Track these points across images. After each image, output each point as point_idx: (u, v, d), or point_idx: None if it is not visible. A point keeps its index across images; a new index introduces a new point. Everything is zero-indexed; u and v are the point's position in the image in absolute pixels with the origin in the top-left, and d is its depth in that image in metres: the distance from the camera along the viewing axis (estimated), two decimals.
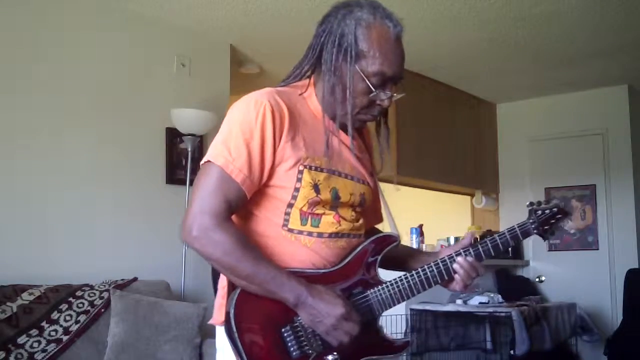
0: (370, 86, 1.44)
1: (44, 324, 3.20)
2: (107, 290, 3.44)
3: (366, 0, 1.47)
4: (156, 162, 4.15)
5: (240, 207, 1.42)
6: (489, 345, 4.60)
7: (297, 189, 1.42)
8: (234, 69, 4.85)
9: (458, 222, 6.20)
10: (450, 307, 4.37)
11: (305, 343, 1.38)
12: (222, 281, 1.45)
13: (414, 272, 1.51)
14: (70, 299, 3.35)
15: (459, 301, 4.50)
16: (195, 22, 4.28)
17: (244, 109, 1.42)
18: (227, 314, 1.36)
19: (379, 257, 1.50)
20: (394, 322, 4.02)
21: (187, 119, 3.98)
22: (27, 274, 3.40)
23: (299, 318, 1.38)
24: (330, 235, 1.46)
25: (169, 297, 3.66)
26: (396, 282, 1.49)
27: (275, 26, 4.31)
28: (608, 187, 5.67)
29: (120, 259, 3.85)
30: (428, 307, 4.29)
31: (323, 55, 1.46)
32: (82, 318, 3.31)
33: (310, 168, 1.43)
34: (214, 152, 1.40)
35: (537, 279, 5.90)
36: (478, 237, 4.46)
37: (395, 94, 1.47)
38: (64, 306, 3.31)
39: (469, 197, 6.33)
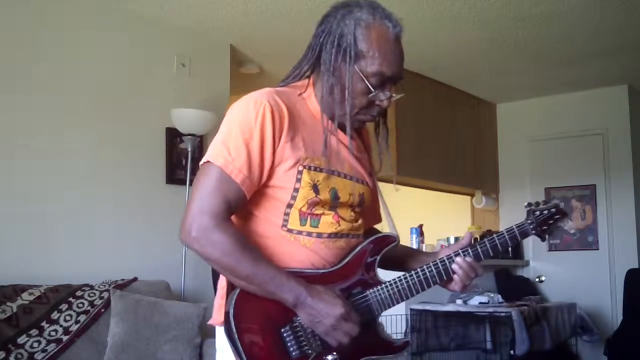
0: (370, 86, 1.44)
1: (44, 324, 3.21)
2: (107, 290, 3.45)
3: (365, 0, 1.47)
4: (156, 162, 4.15)
5: (240, 208, 1.42)
6: (489, 345, 4.60)
7: (296, 189, 1.42)
8: (234, 69, 4.85)
9: (458, 222, 6.20)
10: (450, 307, 4.37)
11: (304, 343, 1.38)
12: (222, 281, 1.45)
13: (413, 272, 1.51)
14: (70, 299, 3.35)
15: (459, 301, 4.50)
16: (195, 22, 4.28)
17: (243, 109, 1.41)
18: (227, 313, 1.36)
19: (378, 257, 1.50)
20: (394, 322, 4.02)
21: (187, 119, 3.98)
22: (27, 274, 3.40)
23: (299, 318, 1.38)
24: (330, 236, 1.46)
25: (169, 297, 3.66)
26: (395, 282, 1.49)
27: (275, 26, 4.31)
28: (608, 187, 5.67)
29: (120, 259, 3.85)
30: (428, 307, 4.29)
31: (322, 56, 1.46)
32: (82, 318, 3.31)
33: (309, 168, 1.43)
34: (214, 153, 1.40)
35: (537, 279, 5.90)
36: (478, 237, 4.47)
37: (394, 94, 1.47)
38: (64, 306, 3.31)
39: (469, 197, 6.33)
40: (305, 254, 1.44)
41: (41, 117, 3.66)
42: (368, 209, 1.62)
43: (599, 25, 4.32)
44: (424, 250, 4.86)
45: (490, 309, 4.38)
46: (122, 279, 3.60)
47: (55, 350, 3.16)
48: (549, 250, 5.86)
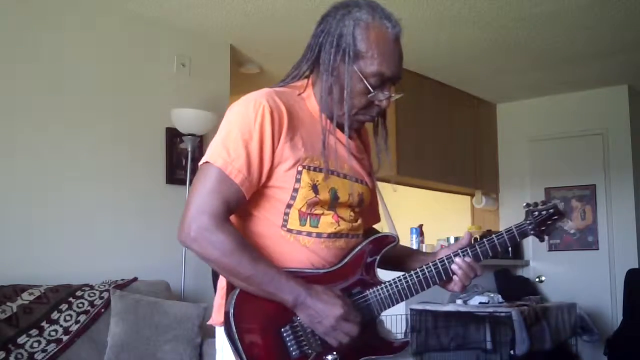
0: (369, 87, 1.44)
1: (44, 324, 3.21)
2: (107, 290, 3.45)
3: (365, 0, 1.47)
4: (156, 162, 4.15)
5: (239, 208, 1.42)
6: (489, 345, 4.60)
7: (295, 190, 1.42)
8: (234, 69, 4.85)
9: (458, 222, 6.20)
10: (450, 307, 4.37)
11: (304, 343, 1.38)
12: (222, 282, 1.46)
13: (412, 272, 1.51)
14: (70, 299, 3.35)
15: (459, 301, 4.50)
16: (195, 22, 4.29)
17: (242, 110, 1.41)
18: (227, 313, 1.36)
19: (378, 257, 1.50)
20: (394, 322, 4.02)
21: (187, 119, 3.98)
22: (27, 274, 3.41)
23: (299, 318, 1.38)
24: (329, 236, 1.46)
25: (169, 297, 3.66)
26: (395, 282, 1.49)
27: (275, 26, 4.31)
28: (608, 187, 5.67)
29: (120, 259, 3.85)
30: (428, 307, 4.29)
31: (321, 56, 1.46)
32: (82, 318, 3.31)
33: (309, 168, 1.43)
34: (213, 153, 1.39)
35: (537, 279, 5.90)
36: (478, 237, 4.47)
37: (393, 95, 1.47)
38: (64, 306, 3.31)
39: (468, 197, 6.33)
40: (304, 254, 1.44)
41: (41, 117, 3.66)
42: (367, 209, 1.62)
43: (599, 25, 4.32)
44: (424, 250, 4.86)
45: (490, 309, 4.38)
46: (122, 279, 3.60)
47: (55, 350, 3.16)
48: (549, 250, 5.86)
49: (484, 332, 4.61)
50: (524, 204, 1.60)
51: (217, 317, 1.47)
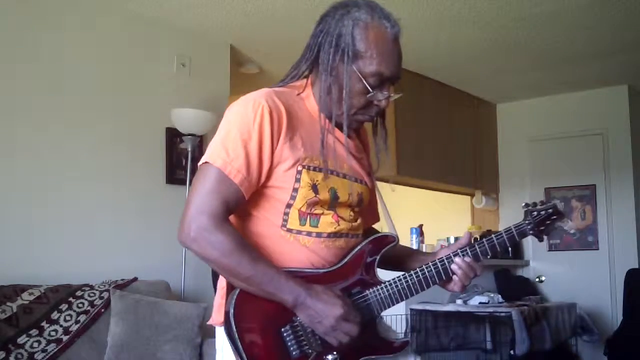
0: (368, 87, 1.44)
1: (44, 324, 3.21)
2: (107, 290, 3.45)
3: (364, 0, 1.47)
4: (156, 162, 4.15)
5: (239, 208, 1.42)
6: (489, 345, 4.60)
7: (295, 190, 1.42)
8: (234, 69, 4.85)
9: (458, 222, 6.20)
10: (450, 307, 4.37)
11: (304, 343, 1.38)
12: (222, 282, 1.46)
13: (412, 272, 1.51)
14: (70, 299, 3.35)
15: (459, 301, 4.50)
16: (195, 22, 4.29)
17: (242, 110, 1.41)
18: (227, 313, 1.36)
19: (378, 257, 1.51)
20: (394, 322, 4.02)
21: (187, 119, 3.98)
22: (27, 274, 3.41)
23: (299, 318, 1.38)
24: (329, 235, 1.46)
25: (169, 297, 3.66)
26: (395, 282, 1.49)
27: (275, 26, 4.31)
28: (608, 187, 5.67)
29: (120, 259, 3.85)
30: (428, 307, 4.29)
31: (320, 56, 1.46)
32: (82, 318, 3.31)
33: (308, 168, 1.43)
34: (212, 153, 1.40)
35: (537, 279, 5.90)
36: (478, 237, 4.47)
37: (392, 95, 1.47)
38: (64, 306, 3.31)
39: (468, 197, 6.33)
40: (304, 254, 1.44)
41: (41, 117, 3.66)
42: (367, 208, 1.62)
43: (599, 25, 4.32)
44: (424, 250, 4.86)
45: (490, 309, 4.38)
46: (122, 279, 3.60)
47: (55, 350, 3.16)
48: (549, 250, 5.86)
49: (484, 332, 4.61)
50: (523, 204, 1.60)
51: (217, 317, 1.47)
